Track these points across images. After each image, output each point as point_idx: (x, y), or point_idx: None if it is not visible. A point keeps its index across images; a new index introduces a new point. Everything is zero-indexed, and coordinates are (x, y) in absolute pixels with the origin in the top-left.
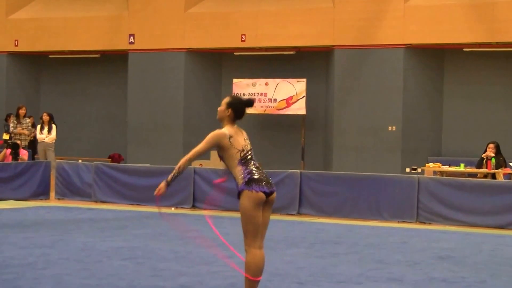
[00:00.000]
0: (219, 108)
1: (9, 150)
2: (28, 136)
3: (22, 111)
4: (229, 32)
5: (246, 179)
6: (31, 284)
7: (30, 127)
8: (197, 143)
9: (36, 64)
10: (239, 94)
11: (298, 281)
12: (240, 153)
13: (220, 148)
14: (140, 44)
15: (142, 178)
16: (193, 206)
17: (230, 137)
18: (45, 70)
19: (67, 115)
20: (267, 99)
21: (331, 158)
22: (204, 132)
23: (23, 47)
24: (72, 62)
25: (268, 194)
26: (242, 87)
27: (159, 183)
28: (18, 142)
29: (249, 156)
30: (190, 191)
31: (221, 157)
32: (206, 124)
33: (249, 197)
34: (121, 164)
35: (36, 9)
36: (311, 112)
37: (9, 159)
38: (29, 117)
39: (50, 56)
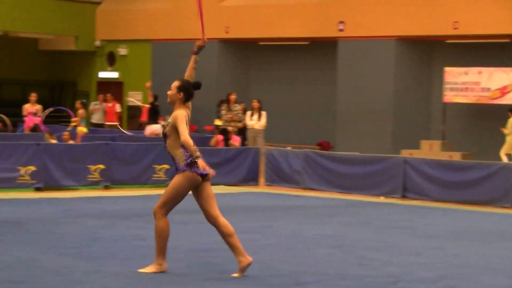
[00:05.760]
0: (169, 92)
1: (221, 136)
2: (239, 122)
3: (232, 97)
4: (441, 19)
5: (188, 161)
6: (237, 269)
7: (240, 114)
8: (406, 131)
9: (246, 51)
10: (451, 83)
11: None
12: None
13: (175, 128)
14: (350, 31)
15: (351, 166)
16: (403, 196)
17: (187, 118)
18: (254, 57)
19: (276, 102)
20: (480, 88)
21: None
22: (414, 121)
23: (234, 34)
24: (281, 49)
25: (204, 176)
26: (454, 75)
27: (369, 171)
28: (230, 128)
29: None
30: (400, 181)
31: (168, 136)
32: (416, 113)
33: (188, 177)
34: (331, 152)
35: None
36: None
37: (221, 145)
38: (239, 104)
39: (259, 43)
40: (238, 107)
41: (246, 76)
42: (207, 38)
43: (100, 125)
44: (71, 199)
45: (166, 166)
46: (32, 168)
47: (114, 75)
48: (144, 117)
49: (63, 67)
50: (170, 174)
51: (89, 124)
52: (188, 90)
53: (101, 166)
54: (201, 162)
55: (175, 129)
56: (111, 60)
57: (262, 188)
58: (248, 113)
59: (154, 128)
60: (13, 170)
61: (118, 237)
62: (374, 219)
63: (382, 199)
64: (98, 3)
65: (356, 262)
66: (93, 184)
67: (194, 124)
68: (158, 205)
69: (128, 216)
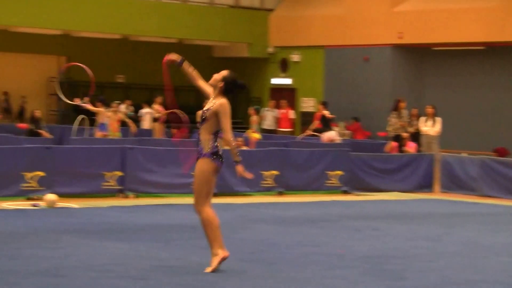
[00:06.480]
0: (215, 75)
1: (395, 143)
2: (412, 127)
3: (401, 104)
4: None
5: (214, 150)
6: (416, 276)
7: (407, 120)
8: None
9: (420, 56)
10: None
11: None
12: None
13: (217, 115)
14: None
15: None
16: None
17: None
18: (428, 62)
19: (451, 107)
20: None
21: None
22: None
23: (407, 39)
24: (455, 54)
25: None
26: None
27: None
28: (405, 134)
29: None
30: None
31: (207, 120)
32: None
33: (209, 164)
34: (509, 159)
35: (420, 1)
36: None
37: (395, 151)
38: (411, 110)
39: (433, 48)
40: (405, 113)
41: (420, 81)
42: (381, 44)
43: (272, 131)
44: (245, 205)
45: (340, 172)
46: None
47: (287, 81)
48: (316, 124)
49: (236, 74)
50: (344, 181)
51: (261, 130)
52: (230, 85)
53: (275, 172)
54: (240, 168)
55: (215, 116)
56: (284, 67)
57: (437, 195)
58: (422, 119)
59: (331, 135)
60: (186, 176)
61: (292, 243)
62: None
63: None
64: (271, 10)
65: None
66: (267, 190)
67: (368, 130)
68: (195, 202)
69: (302, 222)
